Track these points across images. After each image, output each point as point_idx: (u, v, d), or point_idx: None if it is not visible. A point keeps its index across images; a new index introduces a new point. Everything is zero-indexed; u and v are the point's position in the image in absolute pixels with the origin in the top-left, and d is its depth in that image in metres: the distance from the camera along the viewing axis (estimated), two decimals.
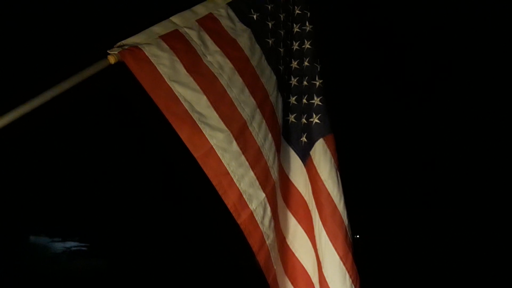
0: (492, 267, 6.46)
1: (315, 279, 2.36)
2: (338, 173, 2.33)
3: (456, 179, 7.06)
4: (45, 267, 7.59)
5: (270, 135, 2.15)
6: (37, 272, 7.12)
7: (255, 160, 2.07)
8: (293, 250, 2.38)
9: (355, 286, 2.28)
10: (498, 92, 6.45)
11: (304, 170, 2.37)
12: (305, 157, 2.36)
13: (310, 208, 2.36)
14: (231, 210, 2.01)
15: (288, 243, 2.37)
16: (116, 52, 1.91)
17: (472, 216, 6.98)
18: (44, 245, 8.20)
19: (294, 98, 2.40)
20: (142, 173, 6.98)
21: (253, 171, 2.05)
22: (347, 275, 2.26)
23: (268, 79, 2.19)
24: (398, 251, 6.88)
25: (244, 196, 2.02)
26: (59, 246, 8.31)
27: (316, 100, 2.36)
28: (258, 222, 2.06)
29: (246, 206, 2.03)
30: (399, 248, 6.91)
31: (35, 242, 8.21)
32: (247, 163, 2.04)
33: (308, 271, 2.38)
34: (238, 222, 2.02)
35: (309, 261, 2.37)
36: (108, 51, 1.92)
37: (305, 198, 2.38)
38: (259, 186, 2.07)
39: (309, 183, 2.36)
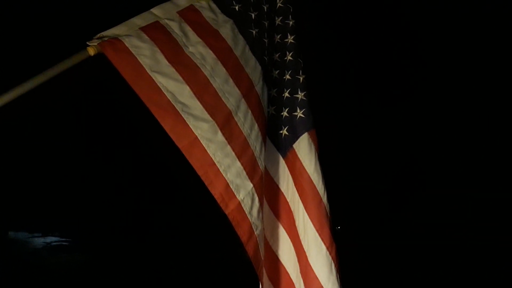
0: (473, 263, 6.58)
1: (289, 269, 2.41)
2: (320, 167, 2.38)
3: (438, 170, 7.17)
4: (25, 263, 7.50)
5: (256, 125, 2.13)
6: (17, 267, 7.02)
7: (242, 150, 2.06)
8: (268, 240, 2.40)
9: (339, 275, 2.33)
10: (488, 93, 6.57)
11: (283, 162, 2.40)
12: (285, 150, 2.39)
13: (289, 200, 2.40)
14: (218, 201, 1.99)
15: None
16: (95, 44, 1.88)
17: (454, 205, 7.11)
18: (24, 240, 8.11)
19: (275, 91, 2.41)
20: (125, 165, 6.93)
21: (239, 161, 2.04)
22: (333, 264, 2.32)
23: (253, 70, 2.18)
24: (379, 243, 6.98)
25: (231, 187, 2.01)
26: (39, 241, 8.23)
27: (300, 95, 2.38)
28: (246, 212, 2.05)
29: (233, 196, 2.01)
30: (379, 240, 7.01)
31: (14, 237, 8.10)
32: (233, 153, 2.02)
33: (283, 263, 2.42)
34: (226, 212, 2.01)
35: (285, 253, 2.41)
36: (87, 43, 1.89)
37: (282, 190, 2.41)
38: (247, 176, 2.06)
39: (290, 176, 2.39)
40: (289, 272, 2.41)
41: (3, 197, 6.53)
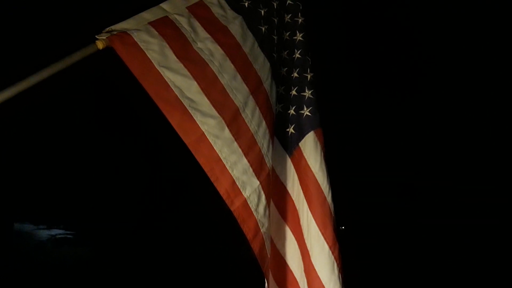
0: (473, 264, 6.54)
1: (294, 267, 2.40)
2: (326, 166, 2.36)
3: (440, 172, 7.14)
4: (30, 255, 7.54)
5: (264, 122, 2.13)
6: (22, 259, 7.07)
7: (249, 147, 2.05)
8: (273, 239, 2.40)
9: (341, 275, 2.32)
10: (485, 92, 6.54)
11: (289, 160, 2.39)
12: (292, 148, 2.39)
13: (294, 198, 2.39)
14: (224, 197, 1.98)
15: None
16: (104, 37, 1.88)
17: (454, 208, 7.08)
18: (29, 233, 8.15)
19: (282, 88, 2.40)
20: (130, 161, 6.94)
21: (246, 158, 2.03)
22: (335, 264, 2.31)
23: (262, 66, 2.17)
24: (381, 242, 6.95)
25: (237, 183, 1.99)
26: (44, 233, 8.27)
27: (308, 93, 2.38)
28: (252, 209, 2.04)
29: (239, 193, 2.00)
30: (382, 240, 6.98)
31: (20, 229, 8.15)
32: (240, 150, 2.01)
33: (287, 261, 2.41)
34: (231, 209, 1.99)
35: (289, 251, 2.41)
36: (96, 36, 1.89)
37: (288, 188, 2.41)
38: (253, 173, 2.05)
39: (295, 174, 2.39)
40: (293, 271, 2.40)
41: (9, 189, 6.57)
